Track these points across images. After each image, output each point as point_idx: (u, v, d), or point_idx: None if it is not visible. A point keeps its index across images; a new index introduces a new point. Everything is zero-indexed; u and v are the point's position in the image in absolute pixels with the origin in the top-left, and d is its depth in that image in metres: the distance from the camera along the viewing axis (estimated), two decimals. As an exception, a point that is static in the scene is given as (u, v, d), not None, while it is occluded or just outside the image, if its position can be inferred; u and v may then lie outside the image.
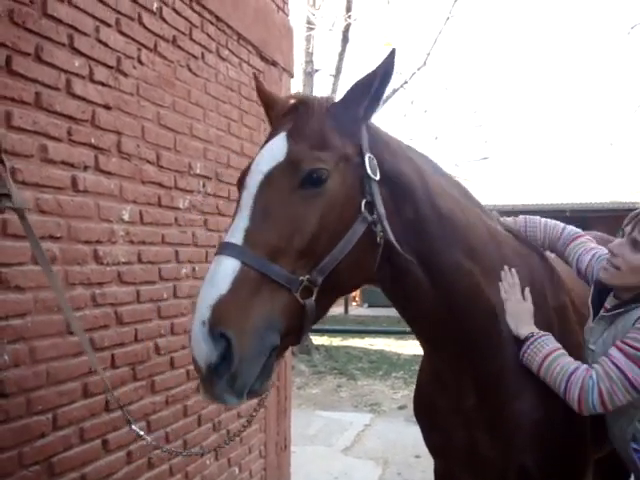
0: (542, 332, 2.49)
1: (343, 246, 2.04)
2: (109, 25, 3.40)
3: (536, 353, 2.45)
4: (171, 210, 4.03)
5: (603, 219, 18.93)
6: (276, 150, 2.10)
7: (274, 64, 5.64)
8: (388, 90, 2.17)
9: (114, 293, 3.47)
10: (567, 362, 2.42)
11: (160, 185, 3.90)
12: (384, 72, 2.15)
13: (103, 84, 3.36)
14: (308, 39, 15.54)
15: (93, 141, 3.29)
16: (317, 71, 15.90)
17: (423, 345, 2.71)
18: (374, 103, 2.21)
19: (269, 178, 2.05)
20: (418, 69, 16.83)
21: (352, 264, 2.08)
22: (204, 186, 4.42)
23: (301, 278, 1.96)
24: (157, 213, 3.88)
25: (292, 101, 2.24)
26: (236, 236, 1.96)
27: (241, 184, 2.11)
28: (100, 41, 3.33)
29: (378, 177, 2.17)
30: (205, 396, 1.93)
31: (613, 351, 2.35)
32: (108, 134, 3.41)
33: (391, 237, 2.17)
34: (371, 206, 2.13)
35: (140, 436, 2.78)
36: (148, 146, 3.77)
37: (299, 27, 14.67)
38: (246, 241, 1.95)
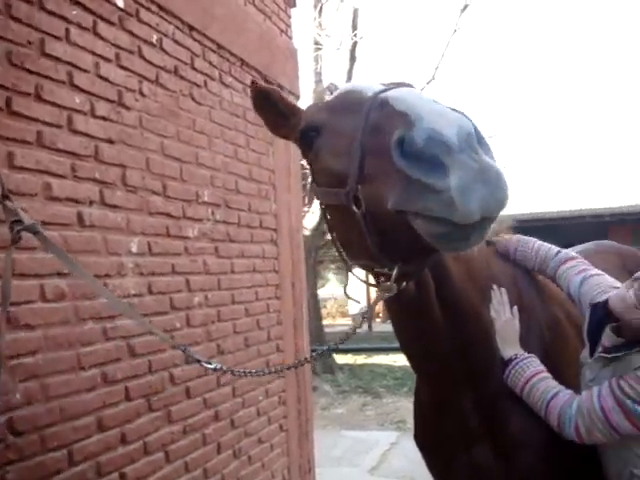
0: (525, 354, 2.45)
1: None
2: (109, 60, 3.44)
3: (518, 377, 2.42)
4: (180, 239, 4.04)
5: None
6: None
7: (280, 87, 5.65)
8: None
9: (126, 326, 3.46)
10: (547, 387, 2.37)
11: (168, 215, 3.91)
12: None
13: (105, 119, 3.39)
14: (316, 59, 15.64)
15: (97, 176, 3.31)
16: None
17: (421, 373, 2.68)
18: None
19: None
20: (427, 83, 16.79)
21: None
22: (213, 214, 4.43)
23: None
24: (166, 243, 3.88)
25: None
26: None
27: None
28: (100, 76, 3.36)
29: None
30: (460, 167, 1.51)
31: (604, 389, 2.27)
32: (112, 168, 3.43)
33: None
34: None
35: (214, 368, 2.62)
36: (154, 177, 3.79)
37: (306, 48, 14.77)
38: None
